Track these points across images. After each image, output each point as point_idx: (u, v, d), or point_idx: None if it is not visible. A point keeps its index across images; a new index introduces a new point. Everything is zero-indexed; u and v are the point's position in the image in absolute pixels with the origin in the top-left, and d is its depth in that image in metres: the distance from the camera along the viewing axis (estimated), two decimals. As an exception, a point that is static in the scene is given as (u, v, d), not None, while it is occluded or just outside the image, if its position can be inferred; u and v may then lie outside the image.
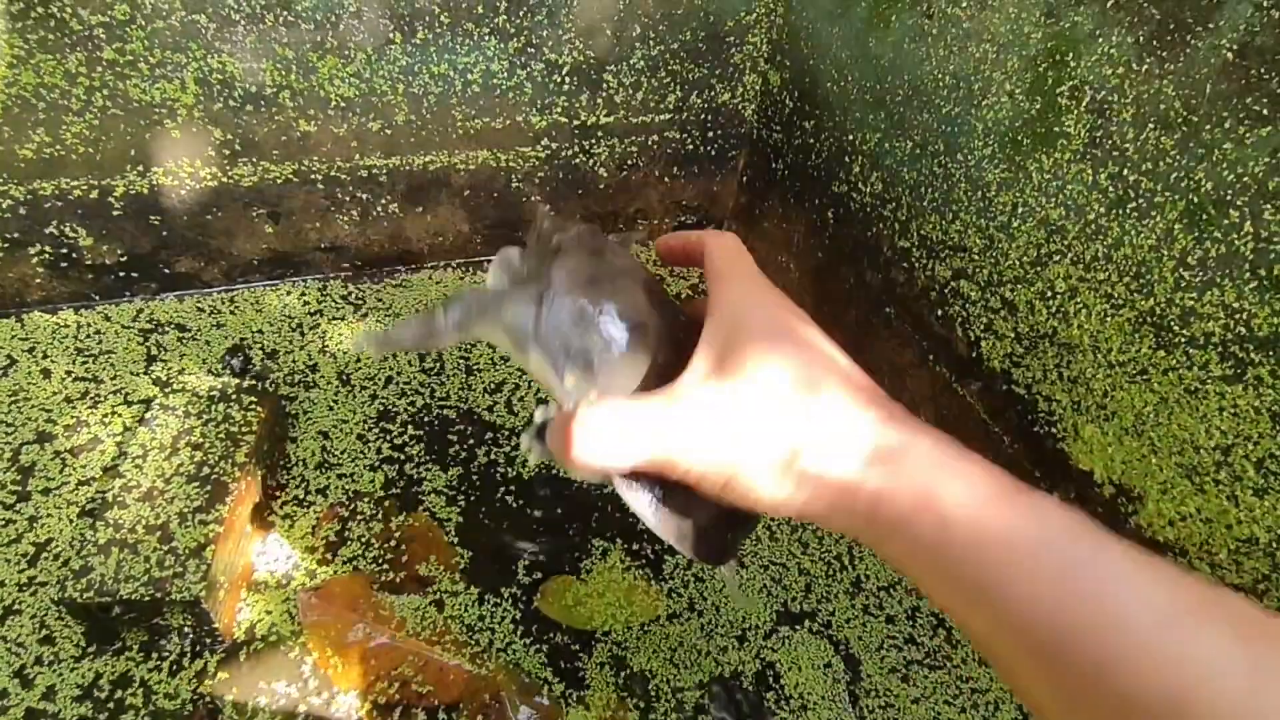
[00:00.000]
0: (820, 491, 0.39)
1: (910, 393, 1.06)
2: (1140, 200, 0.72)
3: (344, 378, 1.12)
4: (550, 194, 1.32)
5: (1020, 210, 0.85)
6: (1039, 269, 0.83)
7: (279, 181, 1.14)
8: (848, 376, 0.43)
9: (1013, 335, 0.88)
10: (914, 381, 1.05)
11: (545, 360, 0.46)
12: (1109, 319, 0.77)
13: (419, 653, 0.85)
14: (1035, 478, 0.87)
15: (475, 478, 1.02)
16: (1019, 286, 0.86)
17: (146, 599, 0.75)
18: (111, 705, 0.77)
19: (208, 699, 0.78)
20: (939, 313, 0.99)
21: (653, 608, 0.90)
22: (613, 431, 0.40)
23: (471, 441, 1.06)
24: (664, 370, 0.45)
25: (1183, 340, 0.70)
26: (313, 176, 1.15)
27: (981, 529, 0.34)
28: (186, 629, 0.81)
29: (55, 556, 0.86)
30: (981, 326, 0.92)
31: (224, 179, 1.10)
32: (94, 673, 0.78)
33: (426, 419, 1.08)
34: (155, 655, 0.80)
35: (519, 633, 0.88)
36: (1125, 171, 0.73)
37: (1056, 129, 0.79)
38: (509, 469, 1.04)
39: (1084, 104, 0.76)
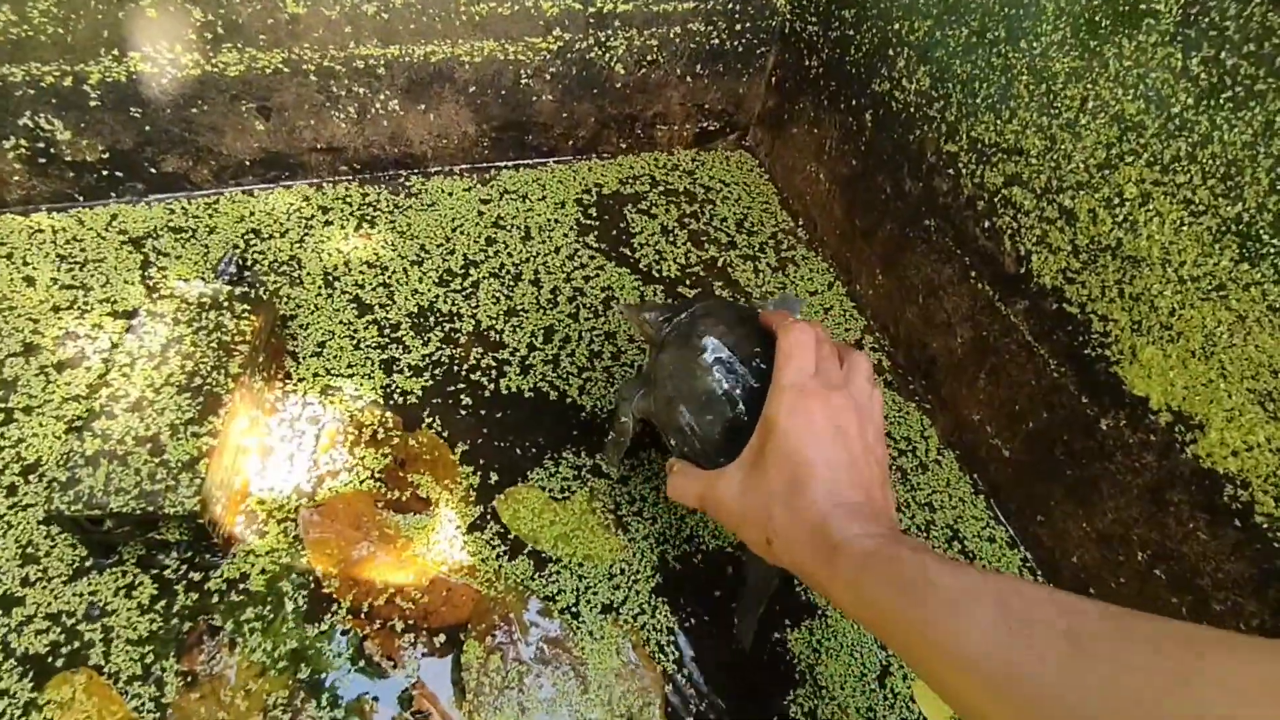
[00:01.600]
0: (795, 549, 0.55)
1: (947, 313, 0.99)
2: (1237, 88, 0.63)
3: (342, 287, 1.05)
4: (562, 93, 1.21)
5: (1091, 105, 0.75)
6: (1107, 172, 0.75)
7: (268, 71, 1.04)
8: (838, 483, 0.55)
9: (1069, 248, 0.80)
10: (952, 300, 0.98)
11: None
12: (1185, 228, 0.69)
13: (425, 572, 0.82)
14: (1081, 403, 0.81)
15: (485, 396, 0.98)
16: (1081, 193, 0.78)
17: (138, 512, 0.71)
18: (108, 621, 0.74)
19: (207, 615, 0.76)
20: (986, 224, 0.90)
21: (611, 554, 0.86)
22: (679, 484, 0.68)
23: (483, 357, 1.01)
24: (735, 434, 0.65)
25: (1272, 251, 0.62)
26: (305, 67, 1.06)
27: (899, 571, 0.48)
28: (185, 544, 0.78)
29: (42, 476, 0.83)
30: (1034, 239, 0.84)
31: (208, 67, 1.01)
32: (90, 587, 0.76)
33: (433, 333, 1.03)
34: (153, 570, 0.78)
35: (528, 553, 0.85)
36: (1223, 55, 0.63)
37: (1143, 6, 0.69)
38: (513, 387, 0.99)
39: (1181, -26, 0.65)
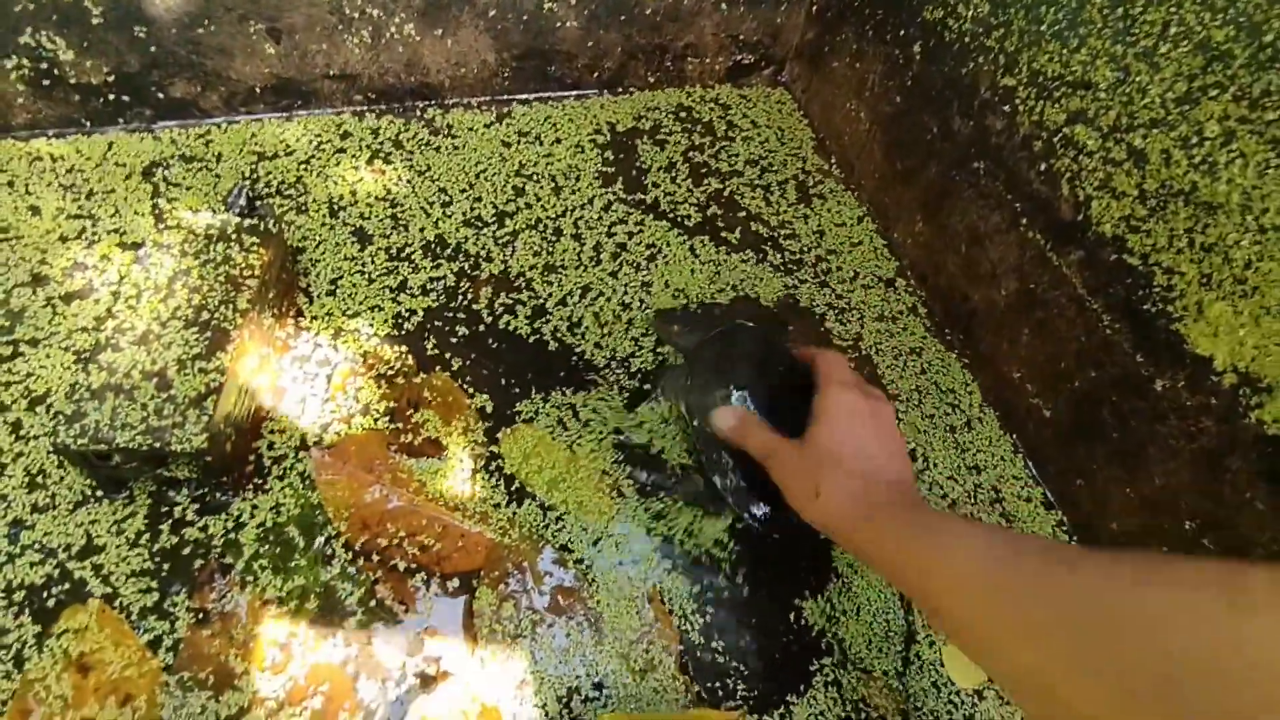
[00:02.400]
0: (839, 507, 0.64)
1: (992, 263, 0.93)
2: (1354, 10, 0.55)
3: (358, 223, 1.01)
4: (587, 19, 1.14)
5: (1173, 31, 0.68)
6: (1186, 109, 0.68)
7: (276, -10, 0.99)
8: (875, 458, 0.67)
9: (1136, 193, 0.74)
10: (998, 249, 0.92)
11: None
12: (1272, 171, 0.62)
13: (438, 518, 0.80)
14: (1136, 362, 0.76)
15: (498, 339, 0.94)
16: (1155, 131, 0.71)
17: (144, 448, 0.70)
18: (118, 557, 0.73)
19: (218, 553, 0.75)
20: (1042, 166, 0.84)
21: (603, 513, 0.83)
22: (746, 429, 0.75)
23: (496, 299, 0.97)
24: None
25: (1377, 197, 0.56)
26: (315, -15, 1.00)
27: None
28: (195, 481, 0.76)
29: (49, 408, 0.81)
30: (1096, 183, 0.77)
31: (213, -16, 0.96)
32: (96, 521, 0.75)
33: (449, 271, 0.99)
34: (164, 506, 0.77)
35: (541, 503, 0.82)
36: (1339, -30, 0.56)
37: (1246, -85, 0.61)
38: (531, 328, 0.95)
39: (1296, -125, 0.57)
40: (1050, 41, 0.80)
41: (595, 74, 1.22)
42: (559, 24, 1.14)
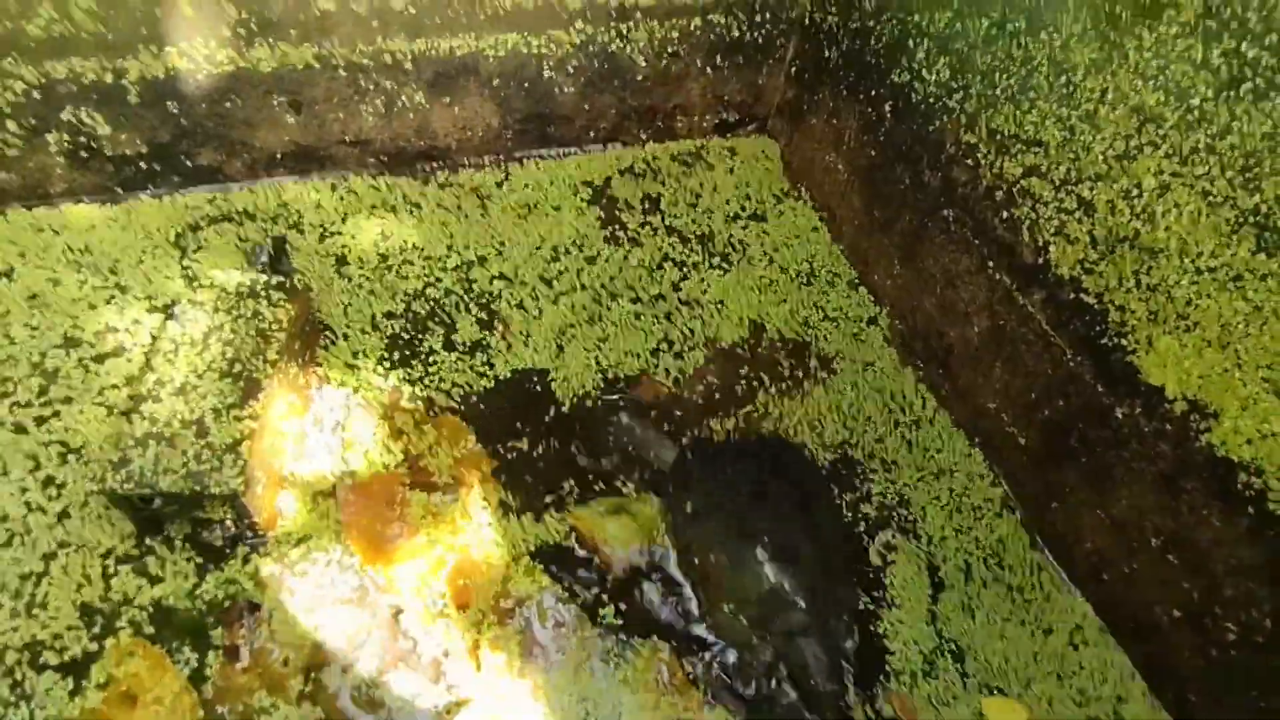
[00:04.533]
0: None
1: (964, 302, 1.00)
2: (1258, 80, 0.63)
3: (372, 277, 1.08)
4: (584, 85, 1.23)
5: (1110, 96, 0.76)
6: (1126, 164, 0.76)
7: (299, 67, 1.07)
8: None
9: (1088, 239, 0.81)
10: (969, 290, 0.99)
11: None
12: (1203, 219, 0.70)
13: (456, 550, 0.85)
14: (1097, 392, 0.82)
15: (506, 382, 1.00)
16: (1100, 184, 0.79)
17: (186, 492, 0.75)
18: (155, 592, 0.78)
19: (249, 591, 0.80)
20: (1004, 215, 0.91)
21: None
22: None
23: (501, 340, 1.04)
24: None
25: (1290, 242, 0.63)
26: (334, 62, 1.08)
27: None
28: (228, 522, 0.81)
29: (83, 456, 0.87)
30: (1052, 229, 0.85)
31: (242, 62, 1.04)
32: (139, 559, 0.80)
33: (458, 319, 1.06)
34: (199, 546, 0.81)
35: (551, 535, 0.87)
36: (1244, 47, 0.64)
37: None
38: (539, 381, 1.02)
39: (1202, -33, 0.66)
40: (1004, 104, 0.88)
41: (591, 133, 1.31)
42: (558, 90, 1.23)
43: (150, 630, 0.76)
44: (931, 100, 1.00)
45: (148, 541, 0.81)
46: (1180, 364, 0.74)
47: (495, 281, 1.11)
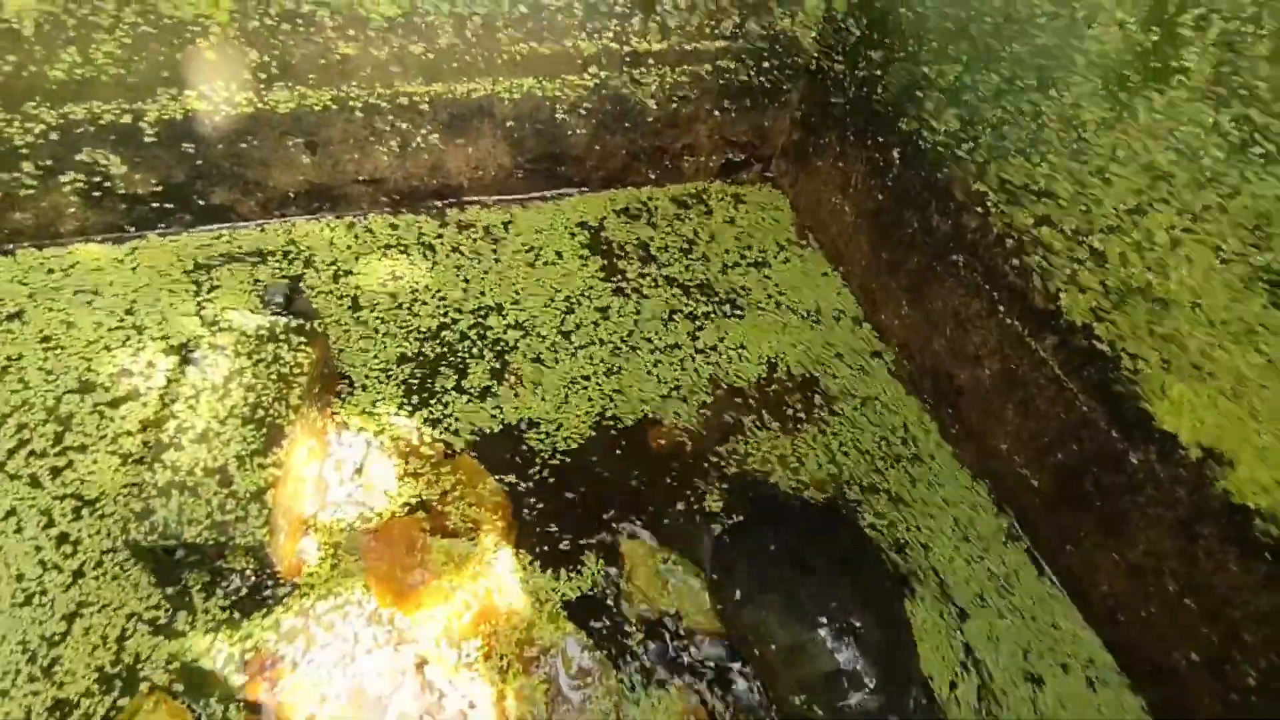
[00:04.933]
0: None
1: (975, 345, 1.02)
2: (1268, 145, 0.66)
3: (387, 318, 1.08)
4: (596, 127, 1.25)
5: (1120, 153, 0.79)
6: (1137, 218, 0.78)
7: (317, 109, 1.08)
8: None
9: (1100, 288, 0.84)
10: (980, 333, 1.01)
11: None
12: (1215, 274, 0.72)
13: (478, 597, 0.84)
14: (1111, 437, 0.84)
15: (518, 428, 1.00)
16: (1112, 236, 0.81)
17: (211, 543, 0.74)
18: (176, 648, 0.77)
19: (271, 643, 0.79)
20: (1015, 262, 0.94)
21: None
22: None
23: (512, 390, 1.04)
24: None
25: (1303, 300, 0.65)
26: (351, 104, 1.09)
27: None
28: (249, 572, 0.80)
29: (99, 509, 0.85)
30: (1064, 278, 0.88)
31: (260, 105, 1.05)
32: (157, 612, 0.78)
33: (472, 357, 1.06)
34: (219, 595, 0.80)
35: (571, 576, 0.87)
36: (1253, 113, 0.67)
37: (1174, 63, 0.73)
38: (554, 432, 1.02)
39: (1211, 36, 0.69)
40: (1015, 156, 0.91)
41: (600, 173, 1.33)
42: (570, 132, 1.25)
43: (173, 686, 0.74)
44: (940, 149, 1.03)
45: (167, 592, 0.80)
46: (1194, 412, 0.76)
47: (510, 330, 1.10)
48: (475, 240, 1.22)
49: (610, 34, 1.14)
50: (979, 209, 0.98)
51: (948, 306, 1.06)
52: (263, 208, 1.17)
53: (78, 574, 0.80)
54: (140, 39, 0.94)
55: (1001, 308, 0.97)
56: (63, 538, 0.82)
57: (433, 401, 1.00)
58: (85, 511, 0.84)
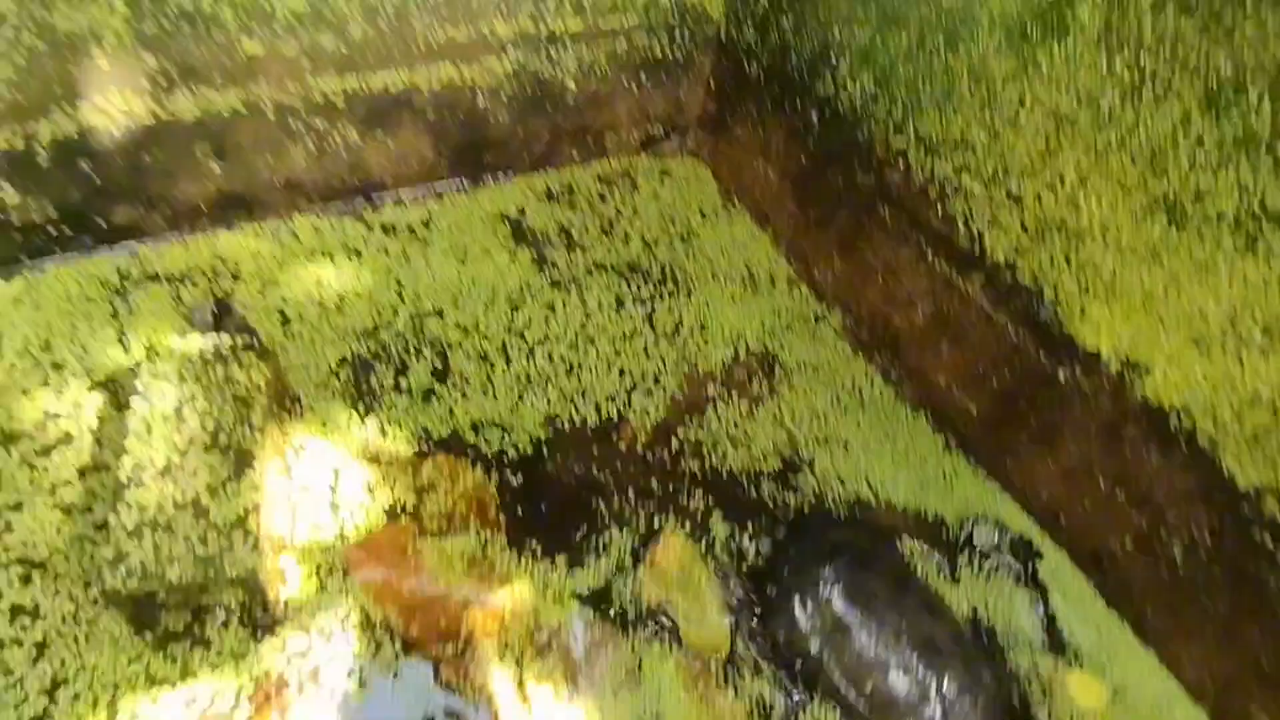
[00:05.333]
0: None
1: (908, 290, 1.09)
2: (1157, 86, 0.75)
3: (323, 324, 1.04)
4: (519, 111, 1.24)
5: (1028, 102, 0.86)
6: (1048, 160, 0.86)
7: (224, 113, 1.01)
8: None
9: (1019, 226, 0.92)
10: (911, 279, 1.09)
11: None
12: (1120, 204, 0.81)
13: (480, 592, 0.84)
14: (1041, 361, 0.94)
15: (480, 426, 1.00)
16: (1027, 179, 0.89)
17: (197, 579, 0.70)
18: (163, 693, 0.73)
19: (272, 669, 0.76)
20: (939, 209, 1.01)
21: None
22: None
23: (477, 368, 1.03)
24: None
25: (1197, 219, 0.75)
26: (262, 105, 1.03)
27: None
28: (234, 604, 0.77)
29: (50, 570, 0.79)
30: (986, 220, 0.96)
31: (161, 113, 0.97)
32: (146, 661, 0.74)
33: (420, 365, 1.04)
34: (209, 633, 0.76)
35: (567, 559, 0.89)
36: (1141, 58, 0.75)
37: (1070, 18, 0.80)
38: (513, 432, 1.02)
39: (1101, -9, 0.77)
40: (930, 110, 0.98)
41: (525, 156, 1.31)
42: (492, 118, 1.22)
43: (173, 732, 0.71)
44: (858, 109, 1.09)
45: (149, 639, 0.75)
46: (1112, 329, 0.85)
47: (452, 331, 1.08)
48: (404, 241, 1.18)
49: (526, 15, 1.13)
50: (901, 163, 1.05)
51: (879, 257, 1.13)
52: (171, 223, 1.09)
53: (41, 645, 0.73)
54: (35, 60, 0.85)
55: (929, 253, 1.05)
56: (16, 610, 0.75)
57: (391, 406, 0.98)
58: (36, 575, 0.77)
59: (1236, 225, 0.73)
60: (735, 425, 1.06)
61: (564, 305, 1.15)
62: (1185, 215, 0.76)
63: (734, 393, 1.10)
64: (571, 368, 1.07)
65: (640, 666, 0.83)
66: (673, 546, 0.91)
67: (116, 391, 0.89)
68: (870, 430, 1.08)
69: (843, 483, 1.02)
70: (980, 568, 0.95)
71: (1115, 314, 0.85)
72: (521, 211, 1.27)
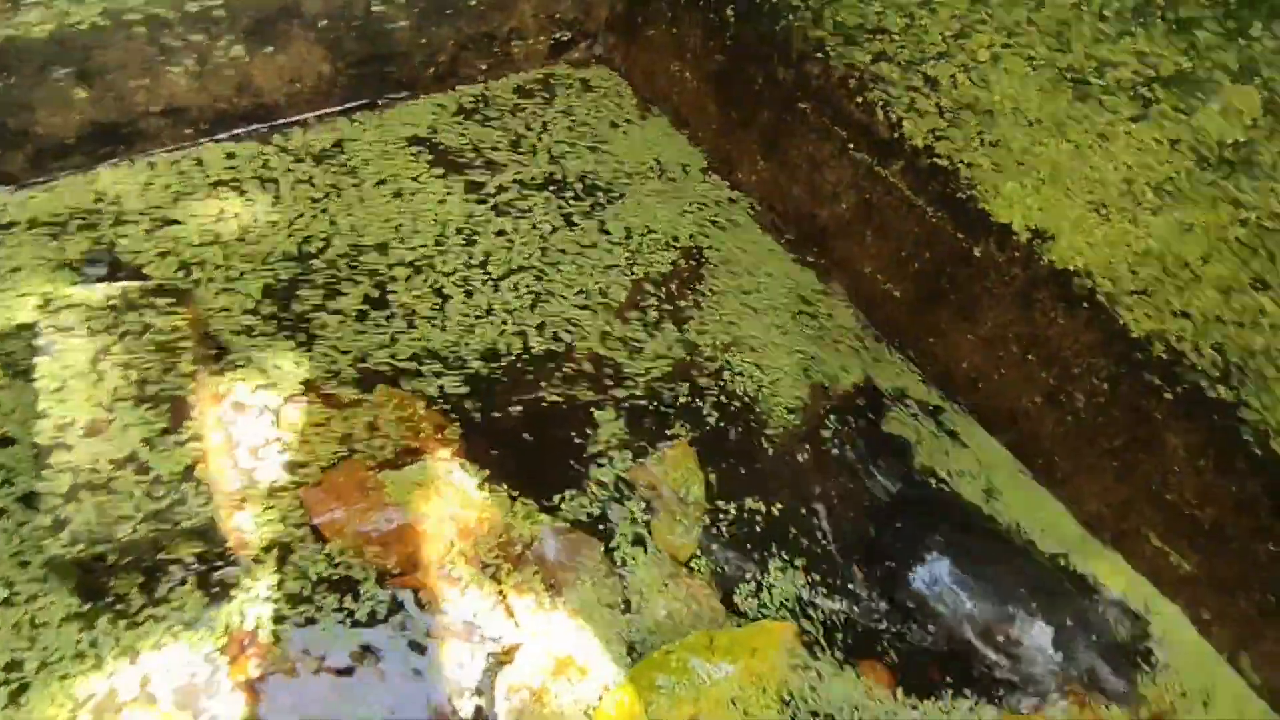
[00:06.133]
0: None
1: (832, 184, 1.12)
2: (1063, -40, 0.78)
3: (225, 260, 0.97)
4: (419, 17, 1.15)
5: (942, -17, 0.88)
6: (962, 41, 0.89)
7: (84, 28, 0.89)
8: None
9: (935, 110, 0.95)
10: (834, 172, 1.11)
11: None
12: (1029, 80, 0.85)
13: (447, 516, 0.84)
14: (958, 239, 0.99)
15: (425, 355, 0.98)
16: (941, 62, 0.92)
17: (151, 535, 0.67)
18: (141, 662, 0.70)
19: (238, 619, 0.74)
20: (859, 100, 1.03)
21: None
22: None
23: (425, 300, 1.00)
24: None
25: (1098, 90, 0.80)
26: (128, 18, 0.91)
27: None
28: (191, 558, 0.74)
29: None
30: (904, 107, 0.98)
31: (9, 30, 0.84)
32: (106, 628, 0.70)
33: (345, 281, 0.99)
34: (168, 590, 0.73)
35: (530, 475, 0.90)
36: (1048, -67, 0.78)
37: (979, -106, 0.82)
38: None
39: None
40: (847, -2, 0.99)
41: (431, 69, 1.23)
42: (390, 25, 1.14)
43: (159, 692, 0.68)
44: (774, 2, 1.08)
45: (102, 606, 0.71)
46: (1023, 202, 0.91)
47: (398, 267, 1.03)
48: (331, 171, 1.10)
49: (417, -93, 1.04)
50: (819, 55, 1.06)
51: (802, 153, 1.15)
52: (34, 163, 0.97)
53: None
54: None
55: (851, 145, 1.07)
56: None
57: (317, 338, 0.94)
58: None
59: (1134, 93, 0.78)
60: (661, 327, 1.07)
61: (515, 230, 1.11)
62: (1089, 86, 0.81)
63: (667, 293, 1.11)
64: (529, 293, 1.06)
65: (616, 560, 0.86)
66: (681, 452, 0.94)
67: (10, 354, 0.81)
68: (793, 323, 1.12)
69: (763, 372, 1.05)
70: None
71: (1025, 187, 0.90)
72: (434, 131, 1.20)
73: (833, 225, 1.16)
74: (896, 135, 1.01)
